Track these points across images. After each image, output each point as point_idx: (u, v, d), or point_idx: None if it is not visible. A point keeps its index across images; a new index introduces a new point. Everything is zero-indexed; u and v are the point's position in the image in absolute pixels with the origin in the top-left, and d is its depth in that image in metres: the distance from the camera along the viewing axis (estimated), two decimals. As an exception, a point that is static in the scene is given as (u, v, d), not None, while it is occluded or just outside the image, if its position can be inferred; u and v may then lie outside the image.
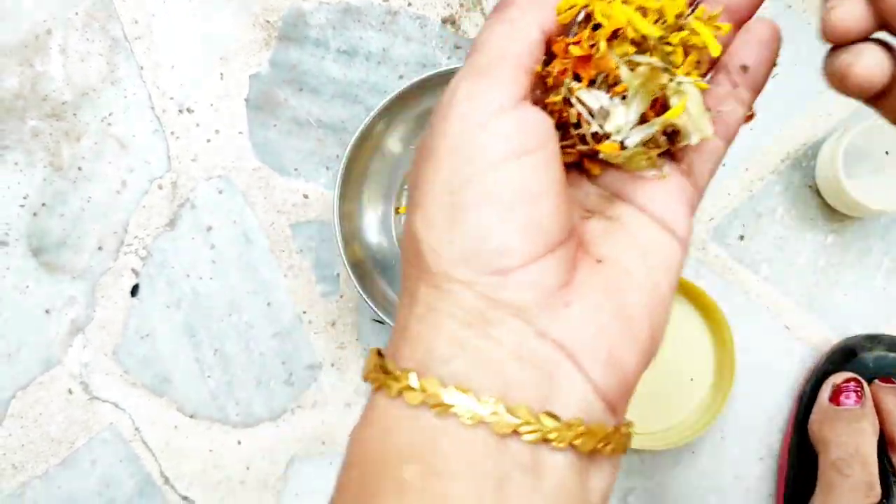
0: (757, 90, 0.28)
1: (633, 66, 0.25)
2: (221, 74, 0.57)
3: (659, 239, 0.26)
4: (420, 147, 0.25)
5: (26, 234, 0.56)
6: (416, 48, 0.58)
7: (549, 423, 0.22)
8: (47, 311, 0.56)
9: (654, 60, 0.25)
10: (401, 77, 0.58)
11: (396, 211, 0.57)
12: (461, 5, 0.59)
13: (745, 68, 0.28)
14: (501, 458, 0.22)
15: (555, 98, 0.25)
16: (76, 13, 0.57)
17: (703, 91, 0.26)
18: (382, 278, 0.55)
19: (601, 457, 0.23)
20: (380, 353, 0.24)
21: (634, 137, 0.25)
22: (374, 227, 0.56)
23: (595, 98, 0.25)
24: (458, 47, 0.59)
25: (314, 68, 0.58)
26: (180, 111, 0.57)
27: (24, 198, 0.56)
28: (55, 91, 0.57)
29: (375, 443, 0.23)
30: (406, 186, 0.57)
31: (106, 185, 0.56)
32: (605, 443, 0.23)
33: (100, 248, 0.56)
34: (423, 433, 0.22)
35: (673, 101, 0.25)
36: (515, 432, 0.22)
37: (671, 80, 0.25)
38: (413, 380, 0.22)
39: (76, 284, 0.56)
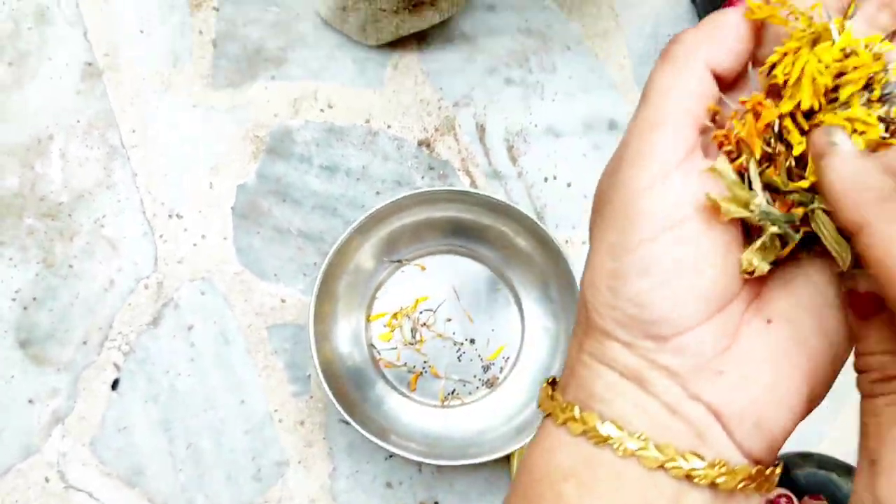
0: None
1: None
2: (211, 183, 0.62)
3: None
4: (596, 199, 0.26)
5: (15, 327, 0.59)
6: (394, 167, 0.63)
7: (695, 461, 0.24)
8: (30, 401, 0.59)
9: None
10: (378, 193, 0.63)
11: (367, 319, 0.61)
12: (436, 129, 0.64)
13: None
14: (648, 488, 0.24)
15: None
16: (78, 120, 0.61)
17: None
18: (351, 382, 0.59)
19: (741, 494, 0.25)
20: (553, 385, 0.27)
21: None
22: (346, 334, 0.60)
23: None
24: (431, 168, 0.63)
25: (298, 181, 0.62)
26: (170, 216, 0.61)
27: (16, 292, 0.59)
28: (53, 192, 0.60)
29: (541, 460, 0.26)
30: (377, 296, 0.61)
31: (95, 283, 0.60)
32: (747, 483, 0.24)
33: (84, 343, 0.59)
34: (582, 457, 0.24)
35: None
36: (662, 467, 0.24)
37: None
38: (576, 412, 0.25)
39: (60, 376, 0.59)
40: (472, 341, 0.61)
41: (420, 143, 0.64)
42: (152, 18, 0.63)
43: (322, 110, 0.63)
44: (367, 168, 0.63)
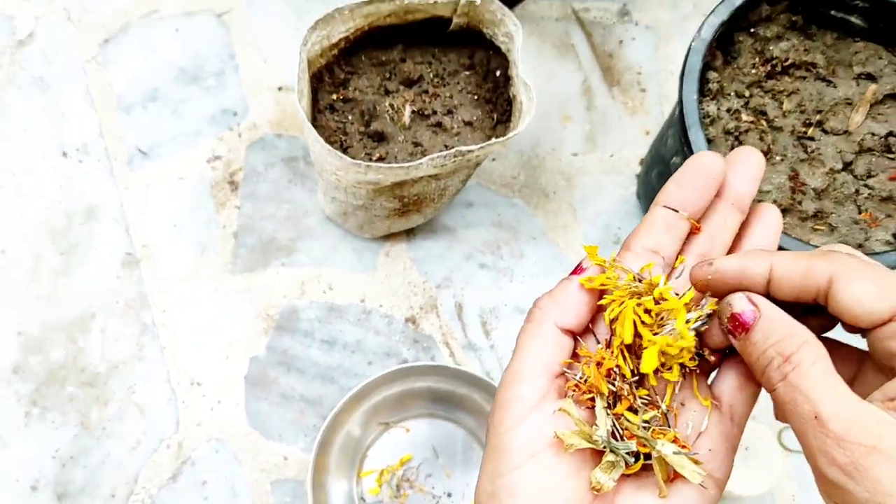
0: None
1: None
2: (227, 356, 0.72)
3: (692, 491, 0.31)
4: (486, 434, 0.32)
5: (53, 482, 0.68)
6: (384, 341, 0.74)
7: None
8: (63, 549, 0.67)
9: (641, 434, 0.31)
10: (370, 363, 0.73)
11: (358, 475, 0.70)
12: (421, 308, 0.75)
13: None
14: None
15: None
16: (117, 302, 0.72)
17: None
18: (343, 533, 0.68)
19: None
20: None
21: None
22: (339, 488, 0.69)
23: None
24: (416, 341, 0.74)
25: (301, 353, 0.73)
26: (191, 384, 0.71)
27: (56, 450, 0.69)
28: (91, 364, 0.71)
29: None
30: (367, 454, 0.71)
31: (124, 443, 0.70)
32: None
33: (112, 496, 0.69)
34: None
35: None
36: None
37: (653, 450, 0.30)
38: None
39: (90, 527, 0.68)
40: (450, 495, 0.70)
41: (407, 320, 0.75)
42: (184, 216, 0.75)
43: (324, 292, 0.74)
44: (361, 342, 0.74)
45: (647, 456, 0.31)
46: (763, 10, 0.65)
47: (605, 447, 0.31)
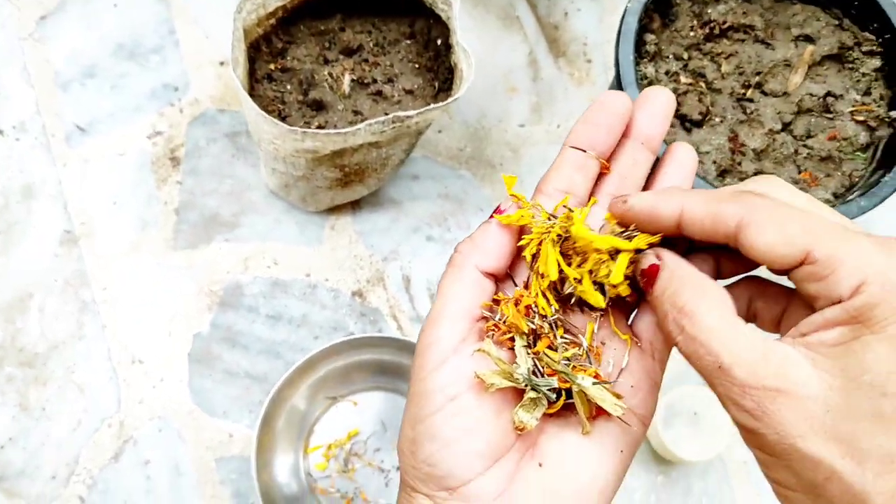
0: None
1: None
2: (170, 333, 0.71)
3: (615, 428, 0.31)
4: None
5: (-8, 464, 0.67)
6: (330, 314, 0.73)
7: None
8: (2, 532, 0.66)
9: (561, 368, 0.31)
10: (316, 338, 0.73)
11: (305, 451, 0.70)
12: (367, 281, 0.74)
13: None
14: None
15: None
16: (56, 280, 0.71)
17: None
18: (290, 508, 0.67)
19: None
20: None
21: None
22: (285, 464, 0.68)
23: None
24: (363, 314, 0.73)
25: (246, 329, 0.72)
26: (133, 362, 0.70)
27: (-6, 432, 0.67)
28: (30, 344, 0.69)
29: None
30: (314, 430, 0.70)
31: (64, 424, 0.68)
32: None
33: (53, 478, 0.67)
34: None
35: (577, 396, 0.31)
36: None
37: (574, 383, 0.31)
38: None
39: (29, 508, 0.66)
40: (399, 468, 0.70)
41: (353, 294, 0.74)
42: (124, 192, 0.73)
43: (269, 266, 0.74)
44: (307, 316, 0.73)
45: (570, 394, 0.31)
46: None
47: (526, 385, 0.31)
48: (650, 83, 0.63)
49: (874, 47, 0.63)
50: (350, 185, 0.71)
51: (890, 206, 0.57)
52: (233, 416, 0.70)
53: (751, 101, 0.64)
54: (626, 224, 0.32)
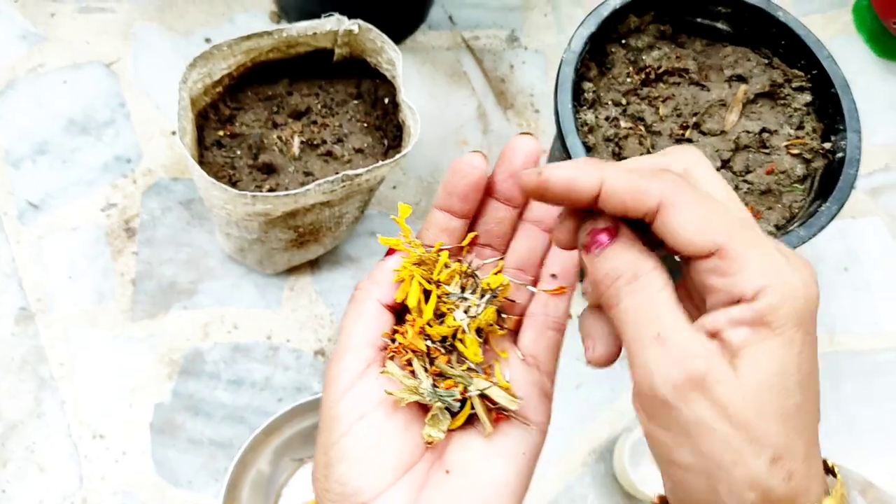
0: (571, 287, 0.36)
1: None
2: (131, 404, 0.70)
3: (518, 435, 0.33)
4: None
5: (-50, 552, 0.65)
6: (293, 376, 0.73)
7: None
8: None
9: (459, 373, 0.33)
10: (280, 400, 0.72)
11: (273, 516, 0.69)
12: (329, 339, 0.74)
13: (554, 276, 0.37)
14: None
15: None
16: (12, 358, 0.70)
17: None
18: (260, 576, 0.66)
19: None
20: None
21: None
22: (253, 531, 0.67)
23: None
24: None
25: (208, 396, 0.71)
26: (94, 437, 0.69)
27: (-48, 519, 0.66)
28: (-12, 425, 0.68)
29: None
30: (282, 493, 0.69)
31: (25, 505, 0.67)
32: None
33: (14, 562, 0.65)
34: None
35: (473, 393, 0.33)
36: None
37: (467, 389, 0.33)
38: None
39: None
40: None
41: (316, 353, 0.74)
42: (80, 266, 0.73)
43: (229, 332, 0.73)
44: (269, 379, 0.73)
45: (473, 407, 0.34)
46: (632, 22, 0.67)
47: (430, 399, 0.33)
48: (591, 130, 0.64)
49: (803, 83, 0.66)
50: (306, 245, 0.71)
51: (828, 234, 0.59)
52: (198, 486, 0.69)
53: (690, 140, 0.66)
54: (542, 199, 0.31)
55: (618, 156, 0.64)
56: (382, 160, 0.70)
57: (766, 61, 0.67)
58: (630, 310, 0.29)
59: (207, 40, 0.83)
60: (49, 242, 0.74)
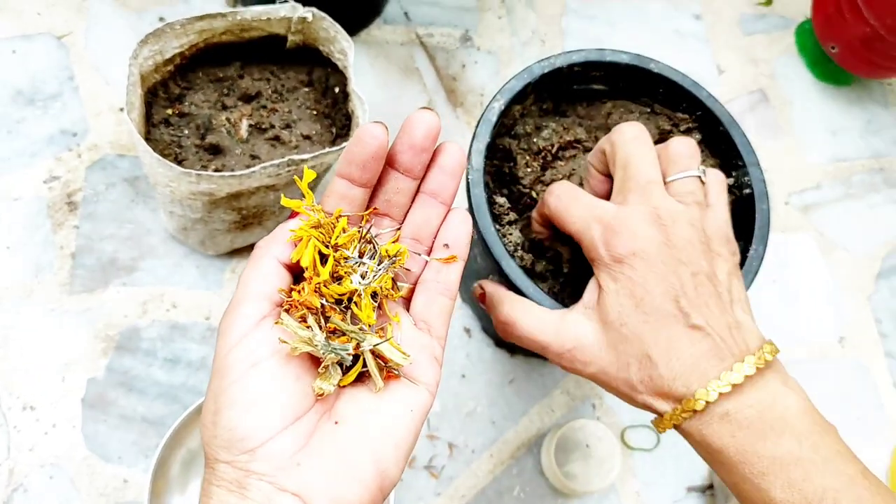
0: (462, 257, 0.40)
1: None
2: (63, 378, 0.70)
3: (407, 393, 0.36)
4: None
5: None
6: (230, 357, 0.73)
7: None
8: None
9: (348, 327, 0.35)
10: (215, 380, 0.72)
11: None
12: (268, 323, 0.75)
13: (446, 246, 0.39)
14: None
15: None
16: (-57, 326, 0.69)
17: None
18: (185, 554, 0.66)
19: None
20: None
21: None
22: (180, 509, 0.68)
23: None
24: (263, 357, 0.74)
25: (143, 373, 0.71)
26: (24, 408, 0.69)
27: None
28: (-86, 392, 0.67)
29: None
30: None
31: (-52, 474, 0.66)
32: None
33: (-66, 530, 0.65)
34: None
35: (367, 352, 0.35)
36: None
37: (359, 343, 0.35)
38: None
39: None
40: None
41: (253, 336, 0.74)
42: (18, 237, 0.73)
43: (167, 310, 0.74)
44: (206, 359, 0.73)
45: (365, 365, 0.36)
46: (515, 111, 0.63)
47: (323, 352, 0.34)
48: (518, 247, 0.58)
49: (690, 124, 0.62)
50: (249, 228, 0.72)
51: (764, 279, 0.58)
52: (128, 461, 0.69)
53: None
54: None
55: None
56: (329, 148, 0.71)
57: (648, 110, 0.64)
58: (518, 341, 0.48)
59: (161, 19, 0.83)
60: (-12, 212, 0.73)
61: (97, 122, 0.78)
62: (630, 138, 0.47)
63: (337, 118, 0.72)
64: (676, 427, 0.42)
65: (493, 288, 0.50)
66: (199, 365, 0.73)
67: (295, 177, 0.42)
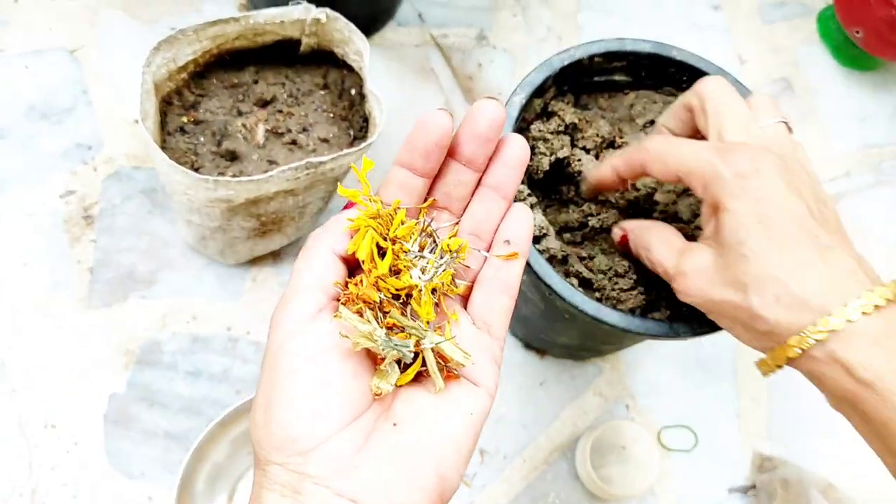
0: (523, 254, 0.37)
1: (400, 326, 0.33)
2: (84, 394, 0.69)
3: (466, 395, 0.34)
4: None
5: None
6: (253, 368, 0.72)
7: None
8: None
9: (410, 324, 0.33)
10: (238, 392, 0.71)
11: (228, 509, 0.67)
12: (290, 332, 0.73)
13: (507, 242, 0.37)
14: None
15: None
16: (-38, 346, 0.68)
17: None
18: (213, 571, 0.64)
19: None
20: None
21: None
22: (207, 525, 0.66)
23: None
24: (287, 367, 0.72)
25: (165, 387, 0.70)
26: (45, 426, 0.67)
27: None
28: (-66, 413, 0.66)
29: None
30: (237, 487, 0.68)
31: (-30, 496, 0.65)
32: None
33: (-43, 554, 0.63)
34: None
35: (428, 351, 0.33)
36: None
37: (418, 342, 0.33)
38: None
39: (-69, 590, 0.62)
40: None
41: (276, 346, 0.73)
42: (35, 252, 0.72)
43: (188, 322, 0.72)
44: (228, 371, 0.71)
45: (424, 363, 0.33)
46: (536, 105, 0.60)
47: (383, 349, 0.32)
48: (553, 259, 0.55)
49: None
50: (268, 235, 0.70)
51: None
52: (151, 478, 0.67)
53: (636, 202, 0.58)
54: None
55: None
56: (348, 150, 0.69)
57: (672, 99, 0.60)
58: (652, 266, 0.49)
59: (173, 30, 0.82)
60: (5, 228, 0.72)
61: (112, 135, 0.77)
62: (718, 86, 0.47)
63: (354, 120, 0.71)
64: (795, 362, 0.38)
65: (631, 224, 0.52)
66: (222, 377, 0.71)
67: (352, 164, 0.39)
